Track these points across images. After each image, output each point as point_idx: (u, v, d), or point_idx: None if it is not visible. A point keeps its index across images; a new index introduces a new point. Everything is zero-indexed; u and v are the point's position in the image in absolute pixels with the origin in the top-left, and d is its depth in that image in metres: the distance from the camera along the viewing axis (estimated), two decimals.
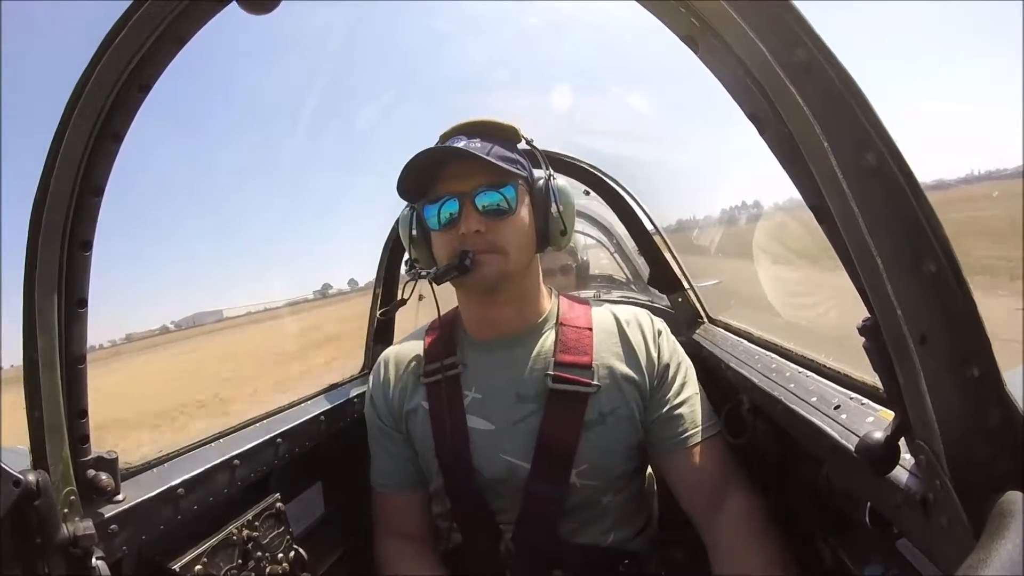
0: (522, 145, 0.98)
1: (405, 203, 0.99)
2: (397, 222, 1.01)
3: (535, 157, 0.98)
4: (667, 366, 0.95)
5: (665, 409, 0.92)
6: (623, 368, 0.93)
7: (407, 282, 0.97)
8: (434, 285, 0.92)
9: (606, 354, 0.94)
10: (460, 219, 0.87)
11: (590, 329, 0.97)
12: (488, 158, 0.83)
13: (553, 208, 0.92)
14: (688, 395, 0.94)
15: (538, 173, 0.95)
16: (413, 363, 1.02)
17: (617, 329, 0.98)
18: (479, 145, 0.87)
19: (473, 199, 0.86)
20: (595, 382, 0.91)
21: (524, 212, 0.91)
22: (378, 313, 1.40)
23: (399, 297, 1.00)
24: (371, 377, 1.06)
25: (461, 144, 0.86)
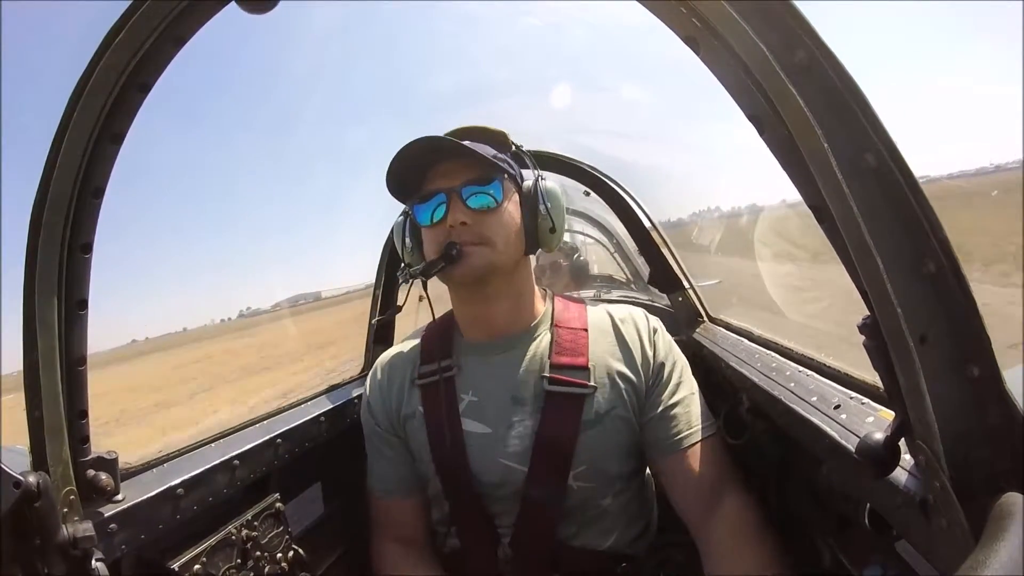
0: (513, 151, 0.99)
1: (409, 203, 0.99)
2: (393, 229, 1.02)
3: (524, 162, 1.00)
4: (662, 364, 0.95)
5: (660, 409, 0.92)
6: (619, 367, 0.93)
7: (402, 285, 0.98)
8: (427, 290, 0.94)
9: (602, 354, 0.94)
10: (447, 213, 0.88)
11: (585, 330, 0.96)
12: (470, 146, 0.85)
13: (541, 207, 0.92)
14: (684, 395, 0.94)
15: (528, 174, 0.97)
16: (409, 367, 1.02)
17: (612, 328, 0.98)
18: (467, 144, 0.88)
19: (460, 193, 0.88)
20: (592, 383, 0.91)
21: (511, 207, 0.92)
22: (375, 320, 1.41)
23: (398, 299, 1.01)
24: (367, 382, 1.05)
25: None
